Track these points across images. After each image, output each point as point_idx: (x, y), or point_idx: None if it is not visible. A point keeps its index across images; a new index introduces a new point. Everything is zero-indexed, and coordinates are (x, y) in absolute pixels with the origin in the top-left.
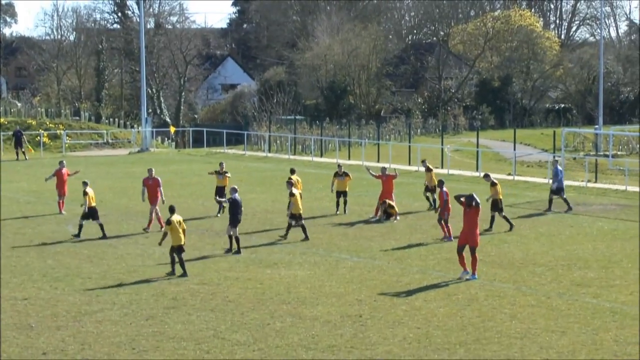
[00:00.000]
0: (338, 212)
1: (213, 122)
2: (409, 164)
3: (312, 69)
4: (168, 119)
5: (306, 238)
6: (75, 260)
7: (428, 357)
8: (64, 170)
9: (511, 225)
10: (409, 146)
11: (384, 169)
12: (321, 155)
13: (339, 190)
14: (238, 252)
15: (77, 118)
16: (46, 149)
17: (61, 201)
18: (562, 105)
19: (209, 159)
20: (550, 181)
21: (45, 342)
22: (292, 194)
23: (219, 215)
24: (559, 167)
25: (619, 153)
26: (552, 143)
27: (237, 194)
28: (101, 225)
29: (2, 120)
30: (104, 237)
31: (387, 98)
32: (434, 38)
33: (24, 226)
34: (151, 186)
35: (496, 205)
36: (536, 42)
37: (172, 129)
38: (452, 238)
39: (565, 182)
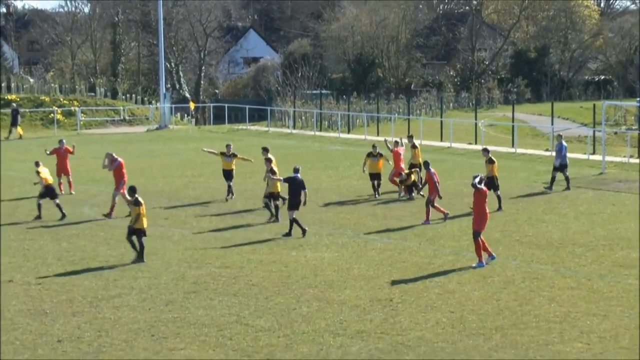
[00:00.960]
0: (377, 196)
1: (235, 97)
2: (441, 139)
3: (339, 41)
4: (187, 95)
5: (276, 219)
6: (91, 243)
7: (462, 342)
8: (64, 149)
9: (500, 207)
10: (441, 121)
11: (396, 142)
12: (348, 132)
13: (373, 173)
14: (303, 232)
15: (93, 94)
16: (60, 127)
17: (62, 182)
18: (602, 77)
19: (231, 136)
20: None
21: (61, 329)
22: (273, 172)
23: (228, 199)
24: (564, 143)
25: None
26: (591, 117)
27: (298, 174)
28: (58, 205)
29: (14, 96)
30: (63, 216)
31: (418, 71)
32: (467, 7)
33: None
34: (116, 169)
35: (492, 183)
36: (574, 10)
37: (192, 105)
38: (429, 222)
39: (607, 158)
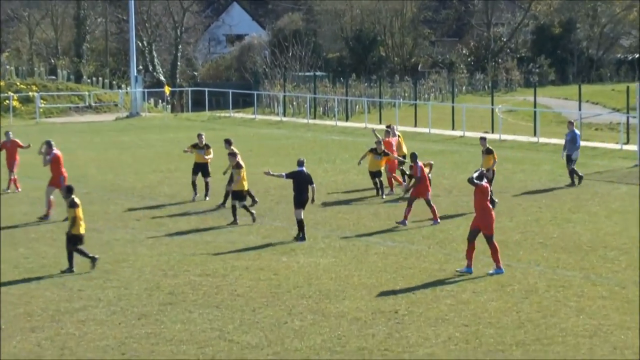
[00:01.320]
0: (383, 196)
1: (216, 80)
2: (453, 128)
3: (335, 16)
4: (162, 78)
5: (253, 219)
6: (52, 249)
7: None
8: (11, 142)
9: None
10: (453, 107)
11: (387, 131)
12: (346, 119)
13: (374, 171)
14: (302, 238)
15: (54, 77)
16: (16, 115)
17: (13, 177)
18: (637, 55)
19: (212, 124)
20: (566, 149)
21: (18, 347)
22: (240, 166)
23: (195, 199)
24: (577, 131)
25: None
26: (624, 101)
27: (304, 167)
28: None
29: None
30: None
31: (426, 49)
32: None
33: None
34: (52, 162)
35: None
36: None
37: (167, 90)
38: (403, 223)
39: None
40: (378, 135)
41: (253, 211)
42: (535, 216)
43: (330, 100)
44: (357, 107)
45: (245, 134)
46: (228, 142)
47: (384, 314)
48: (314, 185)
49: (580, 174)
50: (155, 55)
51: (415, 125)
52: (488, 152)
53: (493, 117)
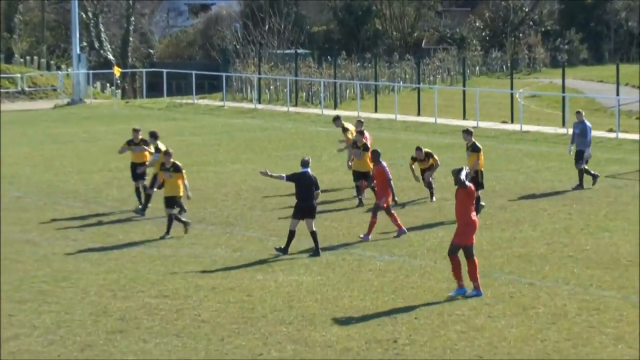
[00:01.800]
0: (361, 201)
1: (177, 59)
2: (464, 117)
3: None
4: (111, 57)
5: (167, 233)
6: None
7: None
8: None
9: (478, 208)
10: (464, 91)
11: (359, 122)
12: (335, 107)
13: (359, 171)
14: (316, 253)
15: None
16: None
17: None
18: None
19: (172, 113)
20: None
21: None
22: (179, 169)
23: (140, 208)
24: (588, 123)
25: None
26: None
27: (309, 168)
28: None
29: None
30: None
31: (431, 22)
32: None
33: None
34: None
35: (475, 179)
36: None
37: (117, 71)
38: (402, 232)
39: None
40: (349, 136)
41: (185, 219)
42: (563, 224)
43: (315, 83)
44: (348, 92)
45: (212, 124)
46: (153, 136)
47: (380, 343)
48: (319, 190)
49: (593, 172)
50: (103, 30)
51: (419, 114)
52: (474, 149)
53: (513, 104)
